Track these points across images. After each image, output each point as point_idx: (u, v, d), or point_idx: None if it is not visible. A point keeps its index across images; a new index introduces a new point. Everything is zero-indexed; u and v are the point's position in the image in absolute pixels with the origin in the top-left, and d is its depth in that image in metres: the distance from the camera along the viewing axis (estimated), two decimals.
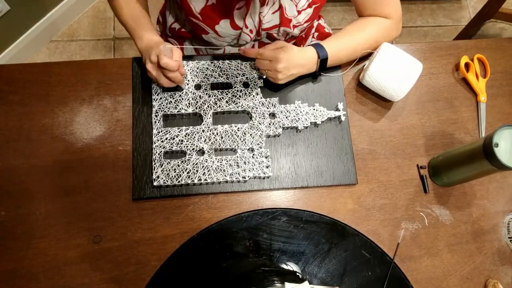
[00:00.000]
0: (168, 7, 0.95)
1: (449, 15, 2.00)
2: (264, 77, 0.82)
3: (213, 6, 0.78)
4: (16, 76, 0.82)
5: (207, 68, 0.84)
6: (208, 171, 0.77)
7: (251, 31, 0.84)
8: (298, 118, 0.82)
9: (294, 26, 0.85)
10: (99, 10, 1.79)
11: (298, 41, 1.01)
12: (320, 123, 0.83)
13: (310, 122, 0.83)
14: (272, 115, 0.83)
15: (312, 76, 0.86)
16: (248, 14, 0.80)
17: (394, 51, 0.82)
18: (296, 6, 0.81)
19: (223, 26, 0.81)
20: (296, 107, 0.83)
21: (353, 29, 0.84)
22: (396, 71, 0.81)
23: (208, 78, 0.83)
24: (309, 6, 0.82)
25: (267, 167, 0.79)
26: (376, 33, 0.84)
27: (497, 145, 0.68)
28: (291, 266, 0.74)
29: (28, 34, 1.59)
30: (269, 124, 0.82)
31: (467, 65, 0.92)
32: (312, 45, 0.81)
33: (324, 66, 0.82)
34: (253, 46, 0.93)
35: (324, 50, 0.80)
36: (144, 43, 0.78)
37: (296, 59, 0.79)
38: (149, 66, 0.75)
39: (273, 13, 0.82)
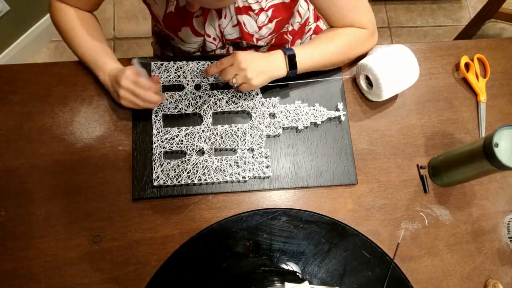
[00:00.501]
0: None
1: (449, 15, 2.00)
2: (237, 88, 0.78)
3: (172, 14, 0.79)
4: (16, 76, 0.82)
5: None
6: (208, 171, 0.77)
7: (214, 39, 0.84)
8: (298, 118, 0.82)
9: (258, 39, 0.85)
10: (99, 10, 1.78)
11: (298, 35, 1.01)
12: (320, 123, 0.83)
13: (310, 122, 0.83)
14: (272, 115, 0.83)
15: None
16: (208, 23, 0.80)
17: (382, 61, 0.80)
18: (256, 22, 0.80)
19: (184, 32, 0.82)
20: (296, 107, 0.83)
21: (325, 37, 0.81)
22: (401, 70, 0.80)
23: (208, 78, 0.83)
24: (270, 21, 0.81)
25: (267, 167, 0.79)
26: (352, 40, 0.81)
27: (497, 145, 0.68)
28: (291, 266, 0.74)
29: (28, 34, 1.59)
30: (269, 124, 0.82)
31: (467, 65, 0.92)
32: (281, 49, 0.79)
33: (294, 65, 0.77)
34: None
35: (290, 49, 0.76)
36: (107, 74, 0.76)
37: (258, 57, 0.75)
38: (123, 93, 0.71)
39: (233, 26, 0.82)
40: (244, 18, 0.79)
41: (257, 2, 0.77)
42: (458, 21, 1.99)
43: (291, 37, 0.99)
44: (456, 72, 0.93)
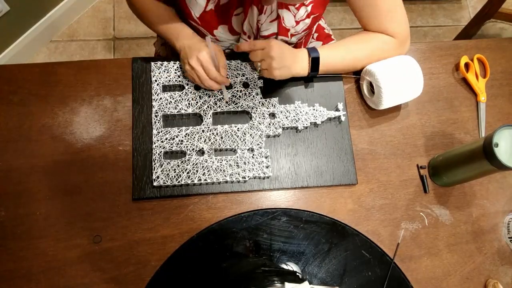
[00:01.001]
0: None
1: (449, 15, 2.00)
2: (259, 69, 0.80)
3: (211, 12, 0.78)
4: (16, 76, 0.82)
5: None
6: (208, 171, 0.77)
7: (249, 37, 0.84)
8: (298, 118, 0.82)
9: (292, 35, 0.85)
10: (99, 10, 1.79)
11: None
12: (320, 123, 0.83)
13: (310, 122, 0.83)
14: (272, 115, 0.83)
15: (306, 80, 0.86)
16: (246, 21, 0.80)
17: (386, 69, 0.80)
18: (294, 16, 0.80)
19: (221, 31, 0.82)
20: (296, 107, 0.83)
21: (352, 41, 0.82)
22: (404, 80, 0.80)
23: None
24: (308, 16, 0.82)
25: (267, 167, 0.79)
26: (377, 50, 0.82)
27: (497, 145, 0.68)
28: (291, 266, 0.74)
29: (28, 34, 1.59)
30: (269, 124, 0.82)
31: (467, 65, 0.92)
32: (306, 48, 0.81)
33: (316, 67, 0.80)
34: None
35: (316, 51, 0.79)
36: (184, 42, 0.79)
37: (288, 51, 0.78)
38: (188, 68, 0.77)
39: (271, 21, 0.81)
40: (284, 12, 0.79)
41: None
42: (458, 21, 1.99)
43: (319, 28, 1.01)
44: (456, 72, 0.93)
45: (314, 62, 0.79)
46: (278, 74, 0.78)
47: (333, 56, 0.80)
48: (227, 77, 0.81)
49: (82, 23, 1.75)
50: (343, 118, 0.84)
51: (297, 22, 0.82)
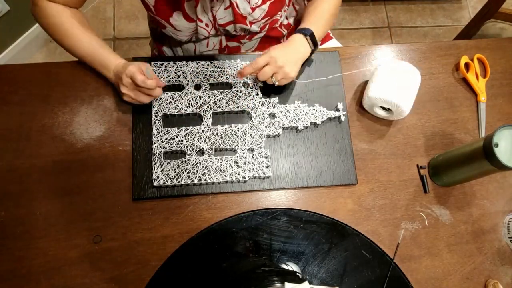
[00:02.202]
0: None
1: (449, 15, 2.00)
2: (277, 84, 0.80)
3: (162, 0, 0.78)
4: (16, 76, 0.82)
5: (207, 68, 0.84)
6: (208, 171, 0.77)
7: (206, 25, 0.83)
8: (298, 118, 0.82)
9: (251, 23, 0.84)
10: (99, 10, 1.79)
11: (293, 29, 1.01)
12: (320, 123, 0.83)
13: (310, 122, 0.83)
14: (272, 115, 0.83)
15: (306, 79, 0.87)
16: (200, 7, 0.79)
17: (389, 69, 0.81)
18: (249, 2, 0.80)
19: (177, 18, 0.81)
20: (296, 107, 0.83)
21: (315, 6, 0.87)
22: (396, 82, 0.80)
23: (208, 78, 0.83)
24: (264, 2, 0.81)
25: (267, 167, 0.79)
26: (333, 7, 0.88)
27: (497, 145, 0.68)
28: (291, 266, 0.74)
29: (28, 34, 1.59)
30: (269, 124, 0.82)
31: (467, 65, 0.92)
32: (296, 32, 0.83)
33: (315, 41, 0.82)
34: (214, 45, 0.93)
35: (307, 29, 0.81)
36: (112, 71, 0.77)
37: (289, 49, 0.79)
38: (125, 89, 0.74)
39: (225, 9, 0.81)
40: None
41: None
42: (458, 21, 1.99)
43: (286, 31, 0.99)
44: (456, 72, 0.93)
45: (312, 38, 0.82)
46: (294, 75, 0.80)
47: (318, 24, 0.84)
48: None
49: None
50: (343, 118, 0.84)
51: (253, 9, 0.81)
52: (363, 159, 0.83)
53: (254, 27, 0.86)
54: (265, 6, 0.82)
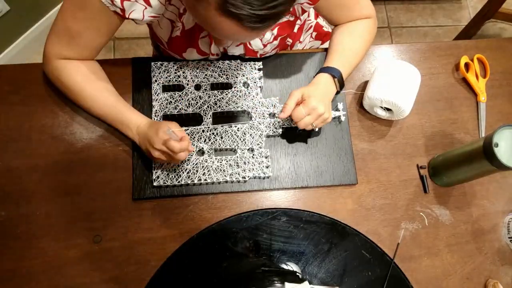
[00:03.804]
0: None
1: (449, 15, 2.00)
2: (317, 129, 0.81)
3: (178, 38, 0.77)
4: (16, 76, 0.82)
5: (207, 68, 0.84)
6: (208, 171, 0.77)
7: (217, 55, 0.83)
8: None
9: (261, 55, 0.85)
10: None
11: (297, 36, 1.00)
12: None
13: None
14: (272, 115, 0.83)
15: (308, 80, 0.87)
16: (213, 44, 0.79)
17: (389, 68, 0.81)
18: (261, 40, 0.79)
19: (190, 54, 0.81)
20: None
21: (346, 40, 0.83)
22: (396, 82, 0.80)
23: (208, 78, 0.83)
24: (275, 39, 0.81)
25: (267, 167, 0.79)
26: (367, 35, 0.84)
27: (497, 145, 0.68)
28: (291, 266, 0.74)
29: (28, 34, 1.58)
30: (269, 124, 0.82)
31: (467, 65, 0.92)
32: (320, 70, 0.81)
33: (342, 82, 0.81)
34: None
35: (334, 69, 0.79)
36: (135, 131, 0.74)
37: (323, 93, 0.77)
38: (157, 154, 0.70)
39: (237, 45, 0.81)
40: None
41: None
42: (458, 21, 1.99)
43: (291, 40, 0.99)
44: (456, 72, 0.93)
45: (340, 80, 0.81)
46: (330, 115, 0.77)
47: (345, 64, 0.81)
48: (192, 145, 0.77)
49: None
50: (343, 118, 0.84)
51: (265, 45, 0.81)
52: (363, 159, 0.83)
53: (263, 57, 0.87)
54: (276, 42, 0.82)
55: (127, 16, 0.67)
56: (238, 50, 0.82)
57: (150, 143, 0.70)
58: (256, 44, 0.80)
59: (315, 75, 0.82)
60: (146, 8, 0.66)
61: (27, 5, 1.50)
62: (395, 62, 0.82)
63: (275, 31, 0.79)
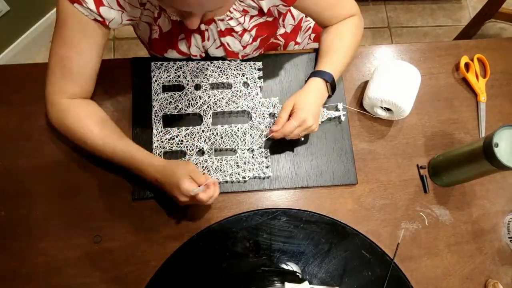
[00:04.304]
0: None
1: (449, 15, 2.00)
2: (302, 139, 0.80)
3: (156, 40, 0.78)
4: (16, 76, 0.82)
5: (207, 68, 0.84)
6: (208, 171, 0.77)
7: (200, 55, 0.83)
8: None
9: (243, 56, 0.85)
10: None
11: (291, 37, 1.00)
12: (320, 123, 0.83)
13: None
14: (272, 115, 0.83)
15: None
16: (192, 46, 0.79)
17: (389, 69, 0.81)
18: (240, 42, 0.80)
19: (170, 54, 0.81)
20: None
21: (333, 40, 0.83)
22: (396, 82, 0.80)
23: (208, 78, 0.83)
24: (254, 40, 0.80)
25: (267, 167, 0.79)
26: (355, 35, 0.84)
27: (497, 145, 0.67)
28: (291, 266, 0.74)
29: (28, 34, 1.58)
30: (269, 124, 0.82)
31: (467, 65, 0.92)
32: (312, 74, 0.80)
33: (334, 86, 0.81)
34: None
35: (327, 73, 0.79)
36: (153, 171, 0.69)
37: (313, 103, 0.76)
38: (184, 199, 0.67)
39: (217, 48, 0.81)
40: (227, 39, 0.79)
41: (239, 24, 0.76)
42: (458, 21, 1.99)
43: (283, 40, 0.98)
44: (456, 72, 0.93)
45: (332, 83, 0.80)
46: (316, 126, 0.77)
47: (336, 66, 0.81)
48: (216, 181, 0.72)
49: None
50: (343, 118, 0.84)
51: (244, 46, 0.81)
52: (363, 159, 0.83)
53: (248, 55, 0.86)
54: (256, 43, 0.82)
55: (107, 23, 0.67)
56: (218, 52, 0.82)
57: (174, 194, 0.68)
58: (235, 45, 0.80)
59: (307, 79, 0.81)
60: (123, 12, 0.67)
61: (27, 5, 1.50)
62: (395, 62, 0.82)
63: (253, 32, 0.79)
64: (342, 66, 0.82)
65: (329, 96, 0.82)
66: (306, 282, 0.72)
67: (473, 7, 2.03)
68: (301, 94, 0.77)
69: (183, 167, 0.67)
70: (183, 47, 0.80)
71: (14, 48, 1.57)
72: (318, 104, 0.78)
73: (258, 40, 0.81)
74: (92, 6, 0.63)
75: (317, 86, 0.78)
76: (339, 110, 0.84)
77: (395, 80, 0.80)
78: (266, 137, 0.80)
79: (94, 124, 0.71)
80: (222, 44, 0.80)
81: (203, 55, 0.83)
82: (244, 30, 0.78)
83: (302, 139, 0.80)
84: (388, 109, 0.83)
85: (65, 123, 0.71)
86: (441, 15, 1.99)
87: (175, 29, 0.75)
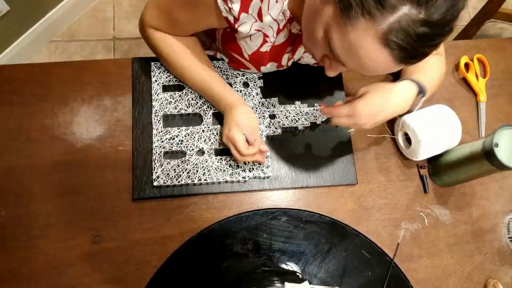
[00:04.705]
0: None
1: None
2: (349, 132, 0.78)
3: (265, 52, 0.74)
4: (16, 76, 0.82)
5: None
6: (208, 171, 0.77)
7: (287, 65, 0.82)
8: (298, 119, 0.82)
9: None
10: (99, 10, 1.79)
11: None
12: (320, 123, 0.83)
13: (310, 122, 0.83)
14: (272, 115, 0.83)
15: (306, 80, 0.85)
16: (293, 58, 0.79)
17: (423, 119, 0.77)
18: None
19: (269, 67, 0.79)
20: (296, 107, 0.83)
21: (431, 59, 0.75)
22: (443, 132, 0.77)
23: None
24: None
25: (267, 167, 0.79)
26: (442, 69, 0.80)
27: (497, 145, 0.68)
28: (291, 266, 0.74)
29: (28, 34, 1.58)
30: (269, 124, 0.82)
31: (467, 65, 0.92)
32: (406, 79, 0.73)
33: (422, 97, 0.74)
34: None
35: (423, 86, 0.72)
36: (223, 108, 0.76)
37: (384, 98, 0.69)
38: (225, 140, 0.73)
39: (312, 57, 0.79)
40: None
41: None
42: (458, 21, 1.99)
43: None
44: (456, 72, 0.93)
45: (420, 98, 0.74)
46: (370, 127, 0.71)
47: (428, 77, 0.75)
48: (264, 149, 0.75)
49: (82, 23, 1.75)
50: None
51: None
52: (363, 159, 0.83)
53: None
54: None
55: (236, 27, 0.65)
56: (312, 60, 0.81)
57: (228, 128, 0.72)
58: None
59: (400, 80, 0.73)
60: (256, 21, 0.64)
61: (27, 5, 1.50)
62: (444, 107, 0.79)
63: None
64: (434, 82, 0.76)
65: (407, 112, 0.75)
66: (306, 282, 0.72)
67: (473, 7, 2.03)
68: (381, 87, 0.69)
69: (241, 118, 0.72)
70: (284, 60, 0.78)
71: (14, 48, 1.57)
72: (390, 109, 0.69)
73: None
74: (236, 7, 0.61)
75: (405, 90, 0.71)
76: None
77: (431, 118, 0.77)
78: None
79: (182, 54, 0.76)
80: None
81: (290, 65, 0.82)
82: None
83: (349, 131, 0.77)
84: (408, 141, 0.80)
85: (158, 49, 0.77)
86: None
87: (287, 41, 0.73)
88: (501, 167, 0.67)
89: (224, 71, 0.84)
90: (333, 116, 0.70)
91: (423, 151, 0.77)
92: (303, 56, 0.80)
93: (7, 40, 1.54)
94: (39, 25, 1.60)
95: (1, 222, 0.73)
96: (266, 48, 0.73)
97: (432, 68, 0.77)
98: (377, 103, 0.68)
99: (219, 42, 0.79)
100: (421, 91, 0.73)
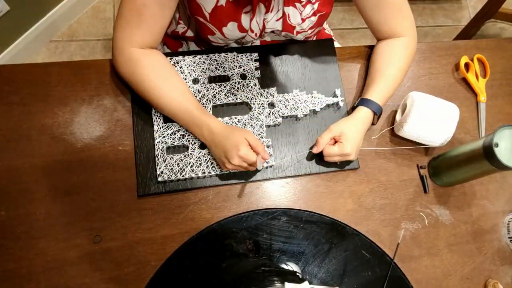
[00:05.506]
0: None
1: (449, 15, 2.00)
2: (338, 163, 0.82)
3: (222, 8, 0.77)
4: (16, 76, 0.82)
5: (204, 62, 0.84)
6: (212, 163, 0.77)
7: (255, 34, 0.84)
8: (297, 107, 0.83)
9: (298, 32, 0.84)
10: (99, 10, 1.79)
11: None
12: (319, 110, 0.83)
13: (309, 110, 0.83)
14: (271, 104, 0.83)
15: (303, 68, 0.88)
16: (254, 19, 0.80)
17: (427, 100, 0.80)
18: (300, 14, 0.80)
19: (231, 28, 0.81)
20: (294, 96, 0.83)
21: (383, 65, 0.83)
22: (435, 120, 0.79)
23: (205, 72, 0.83)
24: (314, 14, 0.81)
25: (269, 155, 0.79)
26: (405, 57, 0.83)
27: (497, 145, 0.68)
28: (291, 266, 0.74)
29: (28, 34, 1.58)
30: (269, 114, 0.82)
31: (467, 65, 0.92)
32: (361, 101, 0.80)
33: (379, 117, 0.82)
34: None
35: (375, 104, 0.79)
36: (206, 133, 0.74)
37: (357, 133, 0.77)
38: (231, 166, 0.72)
39: (277, 20, 0.81)
40: (290, 9, 0.79)
41: None
42: (458, 21, 1.99)
43: (327, 27, 0.99)
44: (456, 72, 0.93)
45: (379, 115, 0.81)
46: (355, 157, 0.78)
47: (385, 95, 0.81)
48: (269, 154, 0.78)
49: (82, 23, 1.75)
50: (341, 104, 0.84)
51: (303, 20, 0.81)
52: (363, 159, 0.83)
53: (300, 36, 0.86)
54: (315, 18, 0.82)
55: None
56: (278, 25, 0.82)
57: (226, 156, 0.71)
58: (295, 17, 0.80)
59: (355, 105, 0.81)
60: None
61: (27, 5, 1.50)
62: (435, 101, 0.80)
63: (316, 6, 0.79)
64: (390, 93, 0.82)
65: (372, 124, 0.82)
66: (306, 282, 0.72)
67: (473, 7, 2.03)
68: (350, 124, 0.78)
69: (241, 132, 0.72)
70: (245, 20, 0.79)
71: (14, 48, 1.57)
72: (362, 136, 0.79)
73: (318, 15, 0.81)
74: None
75: (366, 117, 0.79)
76: (337, 96, 0.84)
77: (436, 118, 0.79)
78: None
79: (162, 80, 0.74)
80: (283, 15, 0.80)
81: (258, 34, 0.83)
82: (308, 1, 0.78)
83: (338, 163, 0.81)
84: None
85: (135, 72, 0.73)
86: (441, 15, 1.99)
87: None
88: (501, 167, 0.67)
89: (220, 64, 0.84)
90: (326, 155, 0.77)
91: (409, 124, 0.79)
92: (266, 17, 0.80)
93: (7, 40, 1.54)
94: (39, 25, 1.60)
95: (1, 222, 0.73)
96: (222, 1, 0.75)
97: (386, 77, 0.81)
98: (356, 137, 0.77)
99: (188, 9, 0.80)
100: (376, 113, 0.80)
